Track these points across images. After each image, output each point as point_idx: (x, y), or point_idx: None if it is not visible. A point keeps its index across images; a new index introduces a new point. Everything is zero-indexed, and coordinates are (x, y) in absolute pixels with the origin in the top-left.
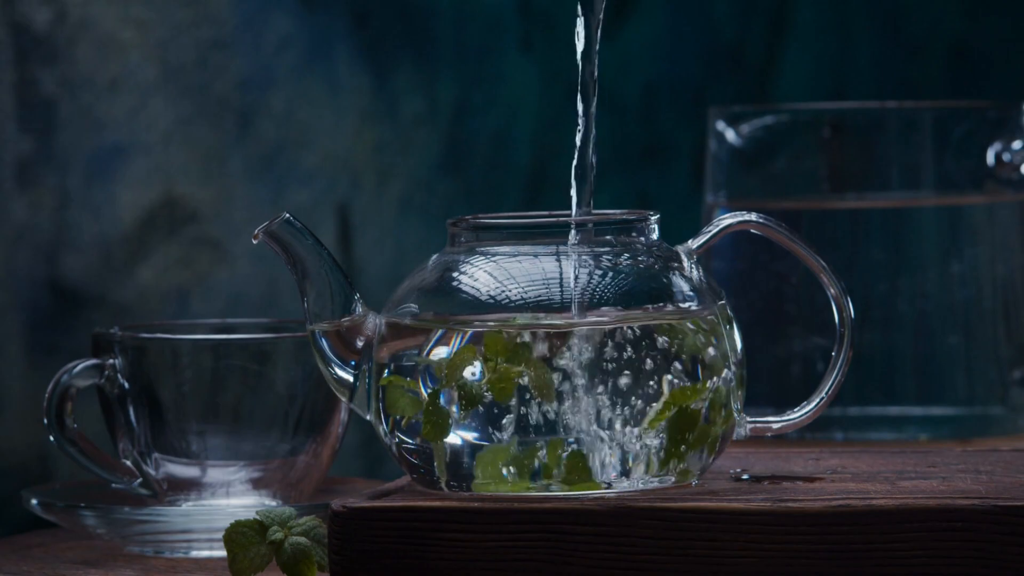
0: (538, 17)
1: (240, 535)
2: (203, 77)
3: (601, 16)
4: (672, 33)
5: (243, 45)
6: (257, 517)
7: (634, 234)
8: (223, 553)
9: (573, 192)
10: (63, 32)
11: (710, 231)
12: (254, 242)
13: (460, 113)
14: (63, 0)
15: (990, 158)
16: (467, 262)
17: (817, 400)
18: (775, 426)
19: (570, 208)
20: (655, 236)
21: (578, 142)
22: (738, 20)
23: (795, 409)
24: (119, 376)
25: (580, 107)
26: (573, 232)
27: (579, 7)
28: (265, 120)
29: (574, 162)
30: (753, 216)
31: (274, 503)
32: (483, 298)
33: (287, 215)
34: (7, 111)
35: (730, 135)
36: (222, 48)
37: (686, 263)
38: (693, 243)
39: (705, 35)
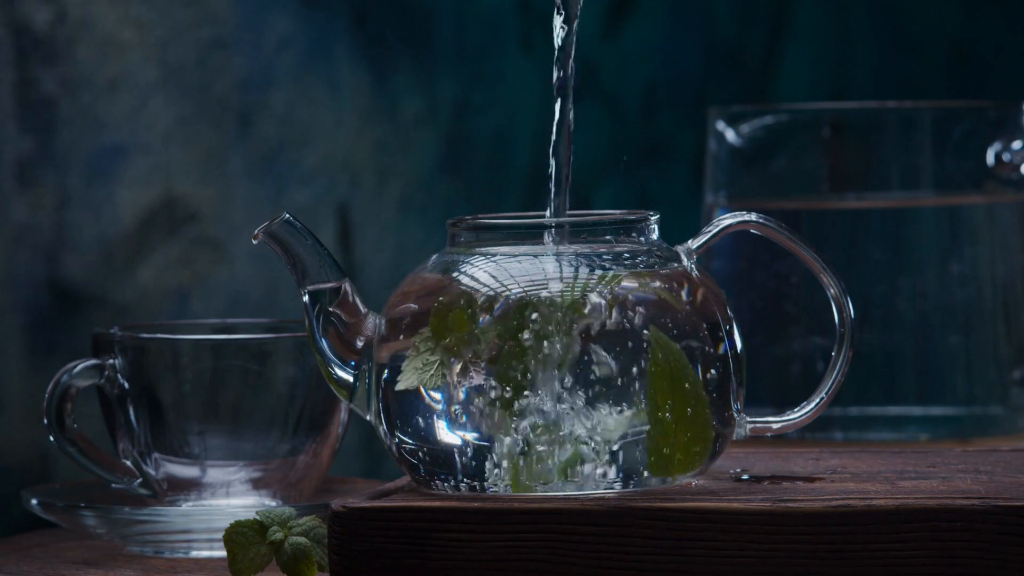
0: (538, 17)
1: (240, 535)
2: (203, 77)
3: (576, 22)
4: (672, 33)
5: (243, 45)
6: (257, 517)
7: (634, 234)
8: (223, 553)
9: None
10: (63, 32)
11: (710, 231)
12: (254, 242)
13: (460, 113)
14: (63, 0)
15: (990, 158)
16: (467, 262)
17: (817, 400)
18: (775, 426)
19: (572, 208)
20: (655, 236)
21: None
22: (738, 20)
23: (795, 409)
24: (119, 376)
25: (557, 107)
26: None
27: (556, 12)
28: (265, 120)
29: (551, 162)
30: (753, 216)
31: (274, 503)
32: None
33: (287, 215)
34: (7, 111)
35: (730, 135)
36: (222, 48)
37: (686, 263)
38: (693, 243)
39: (705, 35)
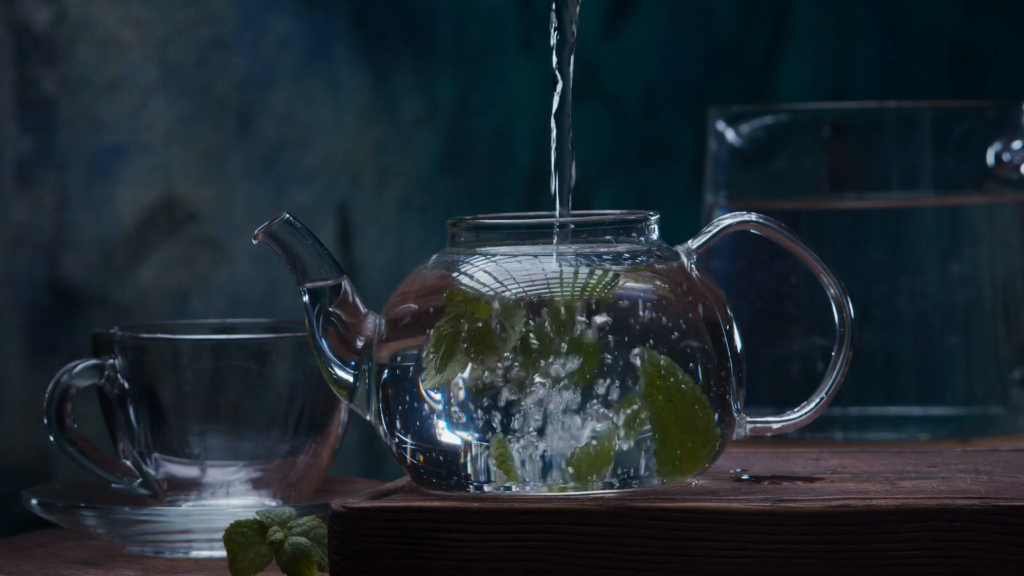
0: (538, 17)
1: (240, 535)
2: (203, 77)
3: (575, 24)
4: (672, 33)
5: (243, 45)
6: (257, 517)
7: (634, 234)
8: (223, 553)
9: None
10: (63, 32)
11: (710, 231)
12: (254, 242)
13: (460, 113)
14: (63, 0)
15: (990, 158)
16: (467, 262)
17: (817, 400)
18: (775, 426)
19: (572, 208)
20: (655, 236)
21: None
22: (738, 20)
23: (795, 409)
24: (119, 376)
25: (555, 105)
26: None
27: (553, 17)
28: (265, 120)
29: (552, 158)
30: (753, 216)
31: (274, 503)
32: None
33: (287, 215)
34: (7, 111)
35: (730, 135)
36: (222, 48)
37: (686, 263)
38: (693, 243)
39: (705, 35)
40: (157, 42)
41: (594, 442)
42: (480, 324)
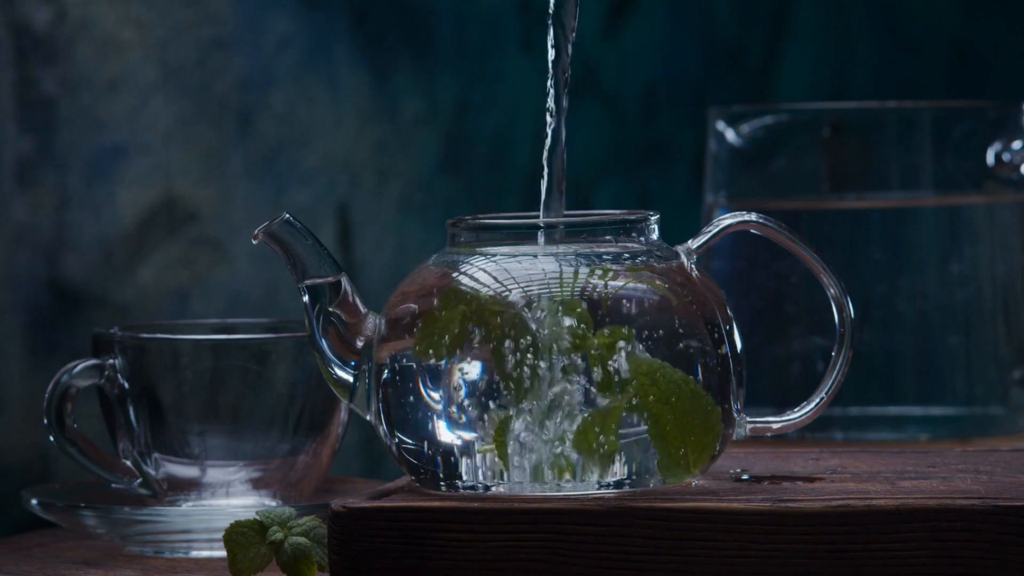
0: (538, 17)
1: (240, 535)
2: (203, 77)
3: (575, 25)
4: (672, 33)
5: (243, 45)
6: (257, 517)
7: (634, 234)
8: (223, 553)
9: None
10: (63, 32)
11: (710, 231)
12: (254, 242)
13: (460, 113)
14: (63, 0)
15: (990, 158)
16: (467, 262)
17: (817, 400)
18: (775, 426)
19: (572, 208)
20: (655, 236)
21: (547, 145)
22: (738, 20)
23: (795, 409)
24: (119, 376)
25: (551, 106)
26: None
27: (550, 16)
28: (265, 120)
29: (544, 157)
30: (753, 216)
31: (274, 503)
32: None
33: (287, 215)
34: (7, 111)
35: (730, 135)
36: (222, 48)
37: (686, 263)
38: (693, 243)
39: (705, 35)
40: (157, 42)
41: (597, 431)
42: (484, 301)
